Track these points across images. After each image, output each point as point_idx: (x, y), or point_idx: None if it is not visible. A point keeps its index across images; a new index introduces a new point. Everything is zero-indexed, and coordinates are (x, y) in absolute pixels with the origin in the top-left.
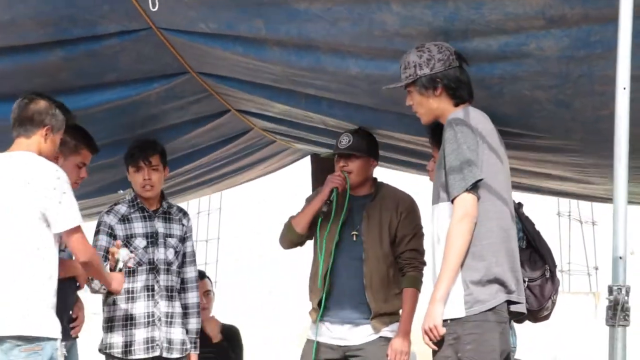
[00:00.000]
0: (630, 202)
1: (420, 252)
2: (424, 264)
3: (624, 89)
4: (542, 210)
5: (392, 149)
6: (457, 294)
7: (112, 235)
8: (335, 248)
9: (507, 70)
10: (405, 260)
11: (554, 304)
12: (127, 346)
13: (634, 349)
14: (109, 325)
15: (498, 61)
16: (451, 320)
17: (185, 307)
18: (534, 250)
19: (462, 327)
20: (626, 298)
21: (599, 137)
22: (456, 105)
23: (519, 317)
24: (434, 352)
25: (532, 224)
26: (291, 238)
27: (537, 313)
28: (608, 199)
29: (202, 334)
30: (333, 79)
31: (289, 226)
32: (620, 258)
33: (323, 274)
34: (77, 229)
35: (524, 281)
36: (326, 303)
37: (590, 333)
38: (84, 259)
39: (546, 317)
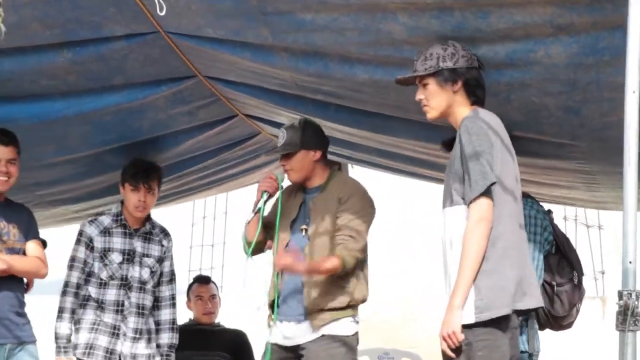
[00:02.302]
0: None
1: (356, 237)
2: (359, 251)
3: (634, 92)
4: None
5: (400, 158)
6: (468, 299)
7: (91, 247)
8: (287, 245)
9: (515, 77)
10: (340, 240)
11: (578, 312)
12: (89, 348)
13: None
14: (77, 327)
15: (505, 68)
16: (462, 326)
17: (157, 323)
18: (562, 256)
19: (473, 333)
20: (636, 303)
21: (607, 143)
22: (472, 104)
23: (528, 313)
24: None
25: (561, 231)
26: (248, 251)
27: (562, 320)
28: (616, 207)
29: (214, 340)
30: (341, 85)
31: (243, 237)
32: (630, 263)
33: (275, 274)
34: None
35: (552, 285)
36: (279, 303)
37: (598, 337)
38: None
39: (569, 325)
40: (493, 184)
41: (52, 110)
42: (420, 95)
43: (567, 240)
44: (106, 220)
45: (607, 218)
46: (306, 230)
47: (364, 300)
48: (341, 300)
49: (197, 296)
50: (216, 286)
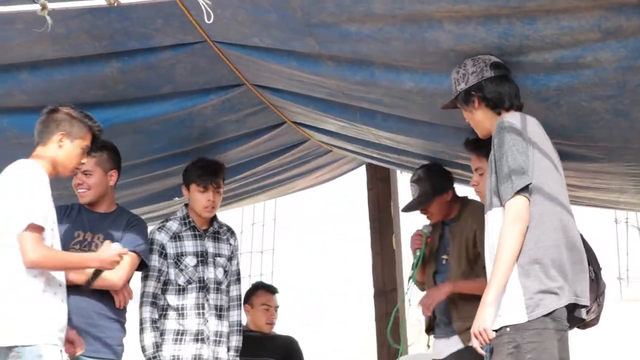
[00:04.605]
0: None
1: None
2: None
3: None
4: (599, 218)
5: (448, 164)
6: (517, 299)
7: (164, 255)
8: (436, 273)
9: (564, 81)
10: None
11: (600, 307)
12: None
13: None
14: (160, 339)
15: (554, 73)
16: (511, 327)
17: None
18: None
19: (522, 336)
20: None
21: None
22: (498, 114)
23: (579, 324)
24: None
25: None
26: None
27: None
28: None
29: (266, 346)
30: (387, 93)
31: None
32: None
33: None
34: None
35: None
36: (433, 324)
37: None
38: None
39: (594, 322)
40: (529, 184)
41: (102, 119)
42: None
43: (581, 235)
44: (174, 225)
45: None
46: (447, 259)
47: None
48: None
49: (263, 304)
50: None
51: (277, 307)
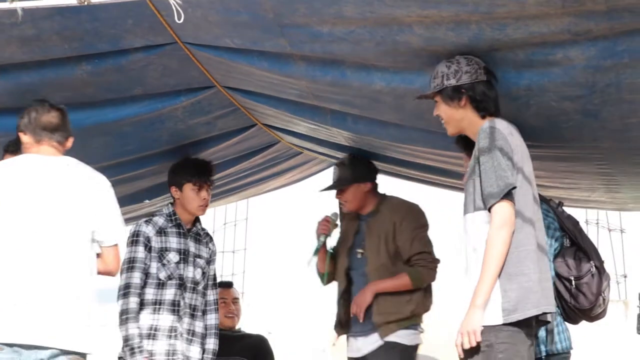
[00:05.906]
0: None
1: (427, 252)
2: (436, 261)
3: None
4: None
5: (417, 166)
6: (494, 301)
7: (148, 248)
8: (349, 269)
9: (534, 80)
10: (413, 262)
11: (605, 300)
12: (150, 355)
13: None
14: None
15: (525, 70)
16: (485, 327)
17: (204, 327)
18: (578, 248)
19: (495, 336)
20: None
21: (628, 144)
22: (482, 117)
23: (544, 325)
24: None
25: (575, 222)
26: (323, 281)
27: (590, 311)
28: (636, 207)
29: (235, 345)
30: (357, 94)
31: (316, 271)
32: None
33: (339, 296)
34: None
35: (570, 280)
36: (348, 320)
37: (620, 341)
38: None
39: (601, 315)
40: (514, 188)
41: (71, 120)
42: (436, 112)
43: (580, 231)
44: (160, 220)
45: (628, 222)
46: (362, 253)
47: (427, 310)
48: (406, 311)
49: (219, 299)
50: (237, 291)
51: (235, 299)
